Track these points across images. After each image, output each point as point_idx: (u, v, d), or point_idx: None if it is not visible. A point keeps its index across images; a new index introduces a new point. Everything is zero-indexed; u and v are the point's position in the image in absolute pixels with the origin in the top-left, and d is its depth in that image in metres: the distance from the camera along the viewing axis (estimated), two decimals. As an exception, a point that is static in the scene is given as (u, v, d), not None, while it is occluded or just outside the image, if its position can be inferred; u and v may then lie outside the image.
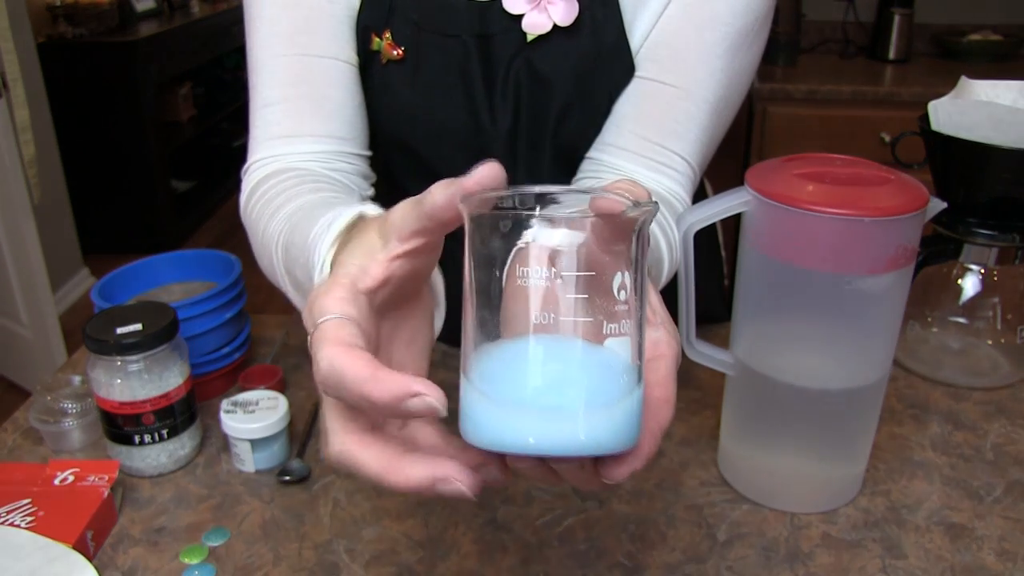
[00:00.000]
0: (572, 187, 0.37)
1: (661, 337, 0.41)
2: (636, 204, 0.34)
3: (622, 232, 0.35)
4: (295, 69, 0.69)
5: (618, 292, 0.35)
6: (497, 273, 0.35)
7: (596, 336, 0.34)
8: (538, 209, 0.35)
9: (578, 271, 0.34)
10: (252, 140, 0.71)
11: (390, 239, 0.39)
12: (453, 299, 0.40)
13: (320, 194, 0.61)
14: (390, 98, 0.73)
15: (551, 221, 0.34)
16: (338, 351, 0.34)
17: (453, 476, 0.34)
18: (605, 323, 0.34)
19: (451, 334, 0.39)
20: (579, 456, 0.35)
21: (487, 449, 0.35)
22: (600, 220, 0.34)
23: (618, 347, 0.35)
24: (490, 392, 0.35)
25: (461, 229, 0.36)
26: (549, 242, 0.34)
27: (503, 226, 0.34)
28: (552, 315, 0.34)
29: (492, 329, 0.35)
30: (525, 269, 0.34)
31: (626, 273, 0.35)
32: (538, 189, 0.35)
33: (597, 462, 0.37)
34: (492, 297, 0.35)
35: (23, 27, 2.69)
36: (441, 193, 0.36)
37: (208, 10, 4.07)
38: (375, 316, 0.39)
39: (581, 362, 0.34)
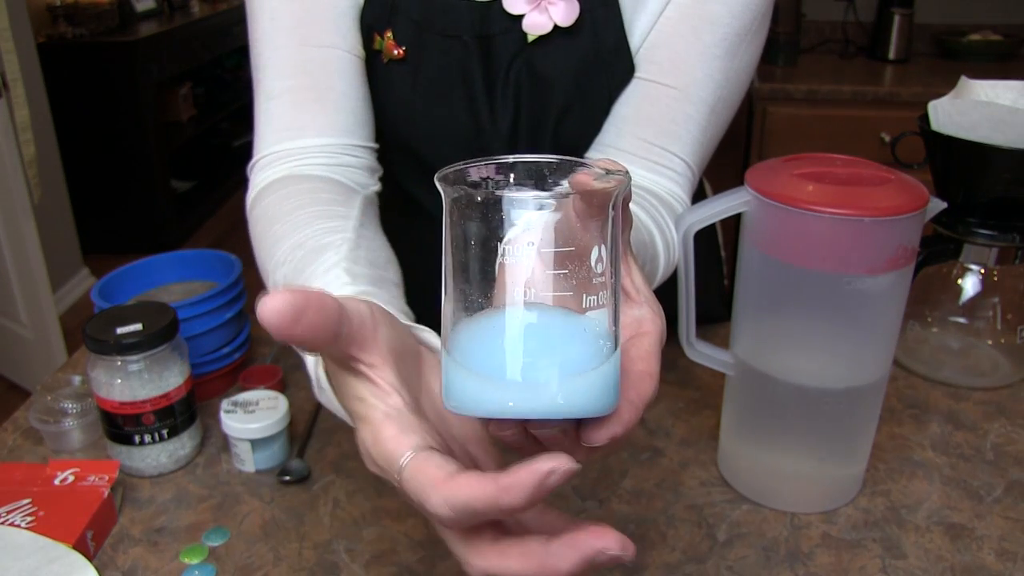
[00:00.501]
0: (546, 156, 0.37)
1: (645, 315, 0.41)
2: (608, 173, 0.35)
3: (598, 206, 0.35)
4: (297, 60, 0.68)
5: (595, 264, 0.35)
6: (473, 248, 0.35)
7: (573, 306, 0.35)
8: (512, 180, 0.35)
9: (555, 244, 0.34)
10: (257, 135, 0.71)
11: (361, 350, 0.37)
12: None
13: (316, 225, 0.59)
14: (391, 97, 0.73)
15: (526, 197, 0.34)
16: (446, 489, 0.33)
17: (606, 545, 0.33)
18: (584, 295, 0.35)
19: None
20: (558, 419, 0.35)
21: (469, 415, 0.35)
22: (576, 195, 0.34)
23: (595, 316, 0.35)
24: (470, 362, 0.35)
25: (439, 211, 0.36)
26: (526, 217, 0.34)
27: (478, 202, 0.34)
28: (530, 287, 0.34)
29: (470, 303, 0.36)
30: (503, 245, 0.34)
31: (603, 246, 0.35)
32: (512, 158, 0.36)
33: (578, 428, 0.37)
34: (469, 272, 0.35)
35: (23, 27, 2.69)
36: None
37: (208, 10, 4.08)
38: (420, 415, 0.38)
39: (558, 330, 0.35)
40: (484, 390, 0.35)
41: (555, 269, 0.34)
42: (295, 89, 0.69)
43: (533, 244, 0.34)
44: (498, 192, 0.34)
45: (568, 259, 0.34)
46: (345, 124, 0.70)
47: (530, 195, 0.34)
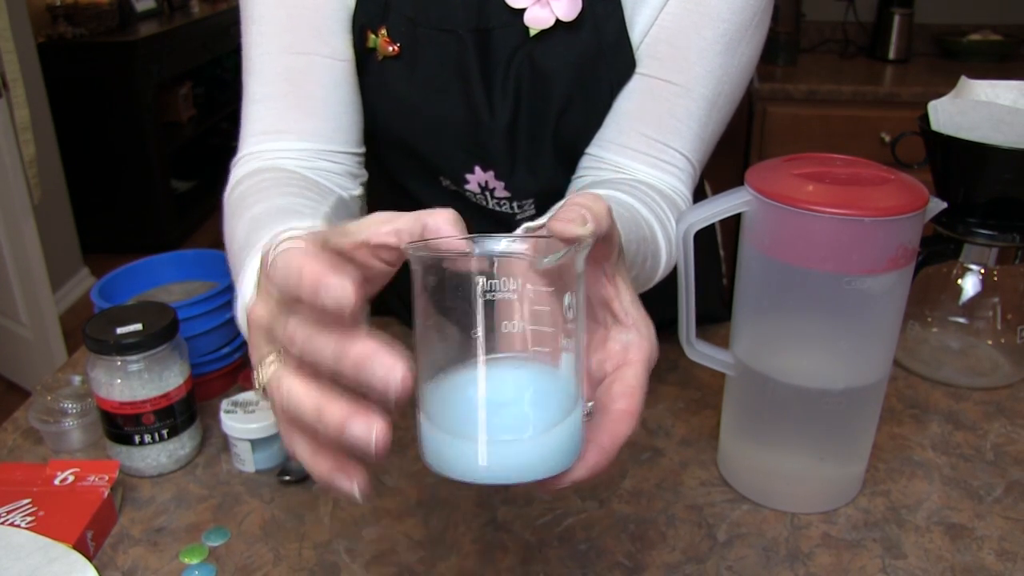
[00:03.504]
0: (514, 234, 0.38)
1: (631, 340, 0.41)
2: (545, 258, 0.36)
3: (562, 268, 0.36)
4: (279, 66, 0.70)
5: (566, 311, 0.36)
6: (443, 309, 0.36)
7: (537, 362, 0.36)
8: (475, 248, 0.36)
9: (521, 294, 0.35)
10: (240, 136, 0.73)
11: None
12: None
13: (289, 199, 0.61)
14: (387, 95, 0.73)
15: (489, 258, 0.35)
16: (296, 252, 0.34)
17: (373, 420, 0.33)
18: (550, 344, 0.36)
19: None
20: (528, 481, 0.36)
21: (444, 476, 0.37)
22: (536, 256, 0.36)
23: (559, 373, 0.37)
24: (441, 425, 0.36)
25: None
26: (487, 276, 0.35)
27: (445, 266, 0.36)
28: (497, 340, 0.36)
29: (440, 362, 0.37)
30: (467, 303, 0.35)
31: (572, 295, 0.36)
32: (478, 236, 0.37)
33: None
34: (440, 332, 0.36)
35: (23, 27, 2.69)
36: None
37: (208, 10, 4.08)
38: None
39: (522, 391, 0.36)
40: (456, 456, 0.36)
41: (522, 321, 0.36)
42: (275, 95, 0.70)
43: (497, 295, 0.35)
44: (460, 254, 0.35)
45: (535, 310, 0.36)
46: (323, 130, 0.71)
47: (489, 254, 0.35)
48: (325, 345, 0.34)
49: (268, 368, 0.37)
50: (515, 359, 0.35)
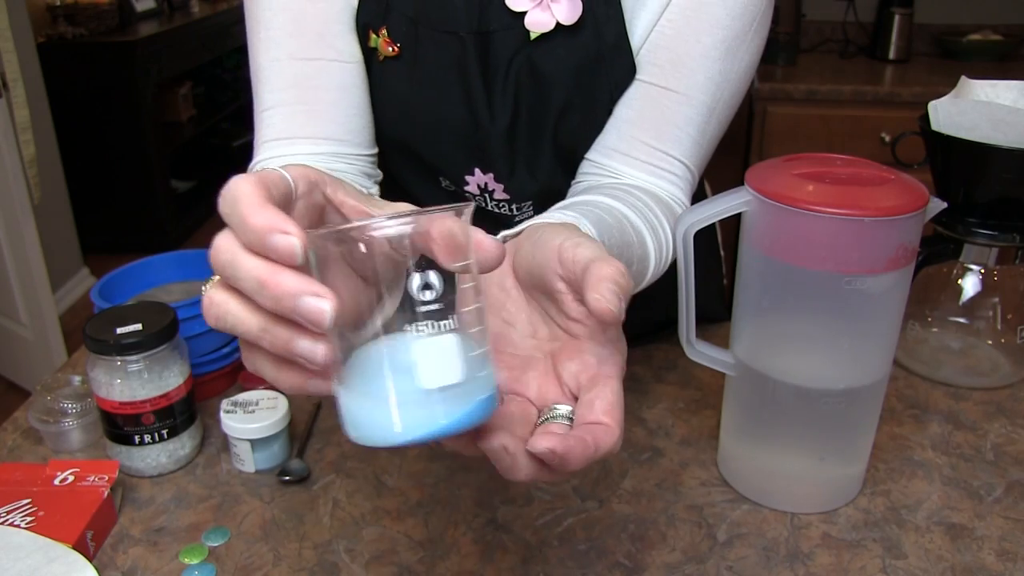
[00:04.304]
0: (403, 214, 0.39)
1: (605, 355, 0.42)
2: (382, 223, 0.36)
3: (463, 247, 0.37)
4: (288, 73, 0.70)
5: (467, 293, 0.37)
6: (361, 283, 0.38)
7: (440, 332, 0.37)
8: (362, 224, 0.36)
9: (423, 268, 0.36)
10: (255, 143, 0.73)
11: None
12: None
13: None
14: (388, 95, 0.73)
15: (388, 227, 0.36)
16: (246, 180, 0.35)
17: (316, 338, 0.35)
18: (447, 322, 0.37)
19: None
20: (444, 435, 0.37)
21: (361, 444, 0.37)
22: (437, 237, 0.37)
23: (459, 341, 0.37)
24: (360, 391, 0.37)
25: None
26: (386, 247, 0.36)
27: (342, 246, 0.37)
28: (396, 318, 0.36)
29: (347, 338, 0.37)
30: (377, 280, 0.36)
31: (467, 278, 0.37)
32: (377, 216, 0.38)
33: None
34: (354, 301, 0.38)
35: (23, 27, 2.69)
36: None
37: (208, 10, 4.08)
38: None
39: (428, 355, 0.36)
40: (373, 422, 0.36)
41: (425, 298, 0.36)
42: (285, 102, 0.71)
43: (404, 270, 0.36)
44: (348, 231, 0.36)
45: (437, 283, 0.37)
46: (334, 134, 0.72)
47: (385, 225, 0.36)
48: (248, 273, 0.34)
49: (210, 283, 0.37)
50: (417, 334, 0.36)
